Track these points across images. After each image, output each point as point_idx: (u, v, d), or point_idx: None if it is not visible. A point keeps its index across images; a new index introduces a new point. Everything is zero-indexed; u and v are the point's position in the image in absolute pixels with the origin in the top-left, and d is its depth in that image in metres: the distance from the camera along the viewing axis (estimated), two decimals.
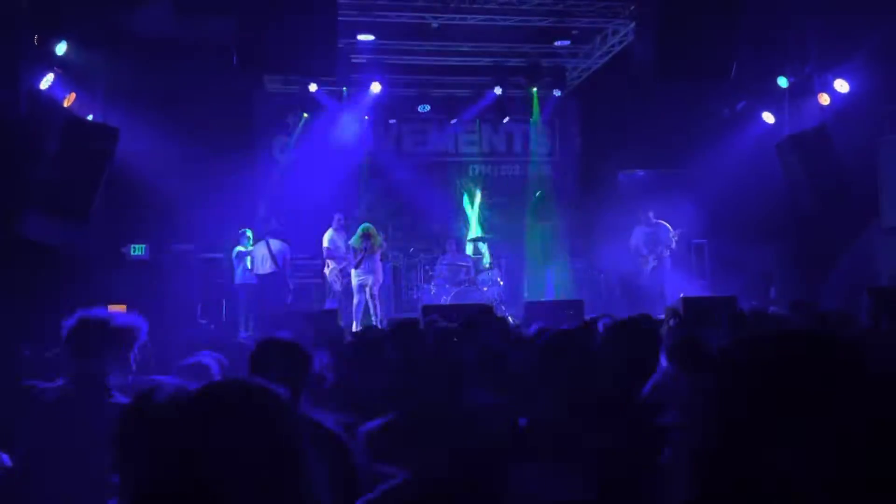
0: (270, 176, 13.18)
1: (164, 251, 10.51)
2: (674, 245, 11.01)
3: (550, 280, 12.82)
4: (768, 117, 11.41)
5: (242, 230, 11.27)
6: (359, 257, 10.70)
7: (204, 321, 9.96)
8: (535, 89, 13.25)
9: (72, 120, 8.15)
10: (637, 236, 11.17)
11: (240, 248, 11.09)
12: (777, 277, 11.05)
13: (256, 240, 11.21)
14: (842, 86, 10.18)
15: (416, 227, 13.76)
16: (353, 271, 10.82)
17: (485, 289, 11.46)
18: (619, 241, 12.28)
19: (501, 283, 11.72)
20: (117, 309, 8.34)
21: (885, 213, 9.50)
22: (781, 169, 9.98)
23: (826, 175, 9.38)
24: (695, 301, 7.90)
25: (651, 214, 11.15)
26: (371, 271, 10.78)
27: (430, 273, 11.91)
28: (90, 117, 8.86)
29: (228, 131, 12.14)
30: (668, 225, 11.05)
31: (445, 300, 10.96)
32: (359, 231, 10.87)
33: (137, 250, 10.35)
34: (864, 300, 4.74)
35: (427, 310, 8.67)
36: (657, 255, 10.99)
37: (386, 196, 13.70)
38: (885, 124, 9.52)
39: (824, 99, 10.26)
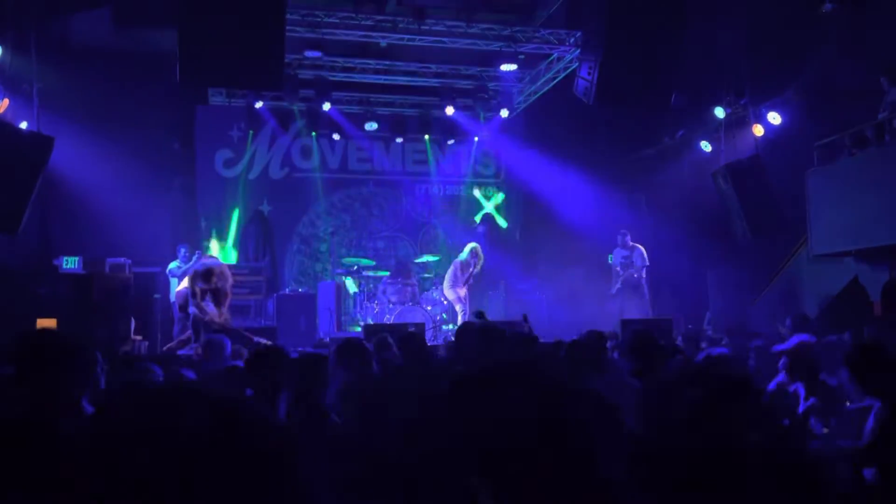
0: (212, 190, 12.95)
1: (98, 265, 10.17)
2: (643, 273, 11.09)
3: (494, 300, 12.87)
4: (706, 146, 11.79)
5: (179, 245, 11.01)
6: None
7: (138, 337, 9.65)
8: (481, 112, 13.39)
9: (4, 127, 7.86)
10: (616, 257, 11.33)
11: (174, 264, 10.81)
12: (711, 301, 11.35)
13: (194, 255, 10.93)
14: (774, 118, 10.60)
15: (361, 245, 13.70)
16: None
17: (428, 308, 11.45)
18: (562, 263, 12.45)
19: (445, 302, 11.74)
20: (47, 323, 8.06)
21: (812, 241, 9.87)
22: (717, 196, 10.30)
23: (759, 203, 9.72)
24: (634, 324, 8.03)
25: (628, 238, 11.30)
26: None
27: (374, 291, 11.84)
28: (24, 125, 8.56)
29: (168, 143, 11.90)
30: (642, 249, 11.19)
31: (389, 319, 10.91)
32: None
33: (70, 263, 10.01)
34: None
35: (369, 329, 8.65)
36: (625, 279, 11.14)
37: (328, 214, 13.62)
38: (813, 156, 9.92)
39: (758, 130, 10.66)
